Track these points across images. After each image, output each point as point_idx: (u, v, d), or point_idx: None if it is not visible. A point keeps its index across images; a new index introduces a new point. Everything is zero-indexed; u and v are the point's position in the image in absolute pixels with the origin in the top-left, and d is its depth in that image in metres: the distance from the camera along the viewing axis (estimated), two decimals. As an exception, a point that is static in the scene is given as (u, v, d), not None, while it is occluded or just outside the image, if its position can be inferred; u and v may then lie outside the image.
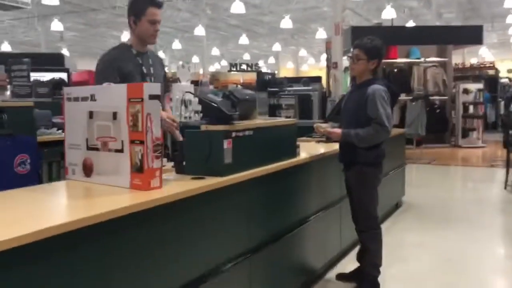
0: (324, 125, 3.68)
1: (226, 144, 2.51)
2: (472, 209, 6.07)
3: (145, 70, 3.02)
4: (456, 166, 10.14)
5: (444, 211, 5.95)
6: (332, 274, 3.70)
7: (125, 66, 2.91)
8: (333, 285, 3.53)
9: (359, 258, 3.50)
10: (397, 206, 5.81)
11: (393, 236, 4.53)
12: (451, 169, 9.67)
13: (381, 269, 3.36)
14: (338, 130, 3.32)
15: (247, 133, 2.66)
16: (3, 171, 2.82)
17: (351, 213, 3.47)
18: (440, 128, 12.03)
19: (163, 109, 3.09)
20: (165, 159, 2.73)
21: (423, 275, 3.68)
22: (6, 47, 21.49)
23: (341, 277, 3.59)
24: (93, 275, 1.77)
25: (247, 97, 2.84)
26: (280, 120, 3.16)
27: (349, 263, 3.91)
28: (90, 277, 1.76)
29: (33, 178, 2.91)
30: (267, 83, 6.17)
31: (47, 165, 3.47)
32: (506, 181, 7.00)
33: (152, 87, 2.23)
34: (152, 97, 2.20)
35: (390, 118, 3.19)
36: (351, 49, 3.38)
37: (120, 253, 1.89)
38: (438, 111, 12.13)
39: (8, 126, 2.93)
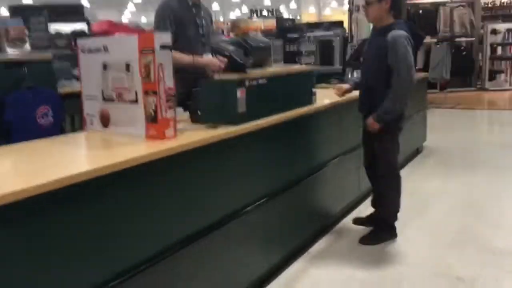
0: (344, 85, 3.55)
1: (240, 93, 2.51)
2: (496, 153, 5.95)
3: (198, 21, 3.15)
4: (482, 110, 9.93)
5: (466, 156, 5.87)
6: (349, 219, 3.77)
7: (180, 15, 3.04)
8: (350, 229, 3.60)
9: (374, 204, 3.53)
10: (417, 151, 5.78)
11: (413, 182, 4.52)
12: (476, 113, 9.48)
13: (398, 215, 3.39)
14: (370, 120, 3.19)
15: (260, 81, 2.65)
16: (26, 124, 2.90)
17: (365, 160, 3.47)
18: (465, 71, 11.67)
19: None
20: (181, 109, 2.77)
21: (441, 221, 3.70)
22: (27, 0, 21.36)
23: (357, 221, 3.65)
24: (110, 224, 1.84)
25: (261, 44, 2.81)
26: (295, 67, 3.13)
27: (367, 208, 3.96)
28: (106, 227, 1.83)
29: (56, 130, 2.98)
30: (287, 30, 6.04)
31: (69, 117, 3.55)
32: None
33: (163, 37, 2.23)
34: (163, 47, 2.20)
35: (412, 67, 3.06)
36: None
37: (136, 202, 1.95)
38: (464, 53, 11.73)
39: (28, 79, 2.98)
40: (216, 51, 2.60)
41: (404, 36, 3.04)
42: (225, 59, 2.65)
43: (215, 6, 27.29)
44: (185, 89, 2.70)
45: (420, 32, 3.28)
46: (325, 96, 3.49)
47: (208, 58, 2.97)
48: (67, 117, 3.57)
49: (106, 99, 2.44)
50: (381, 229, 3.41)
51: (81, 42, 2.54)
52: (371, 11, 3.13)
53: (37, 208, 1.59)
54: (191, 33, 3.07)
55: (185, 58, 2.95)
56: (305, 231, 3.24)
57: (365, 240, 3.35)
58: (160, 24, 2.99)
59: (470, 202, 4.16)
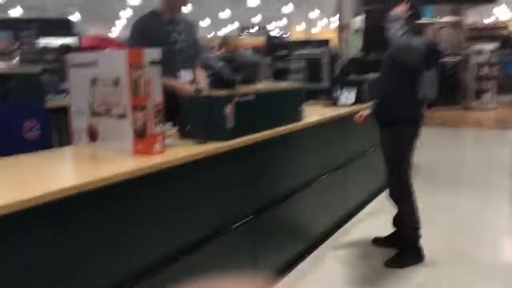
0: (365, 112, 3.52)
1: (228, 109, 2.52)
2: (483, 171, 6.04)
3: (173, 37, 3.08)
4: (468, 128, 10.04)
5: (453, 174, 5.93)
6: (337, 235, 3.76)
7: (152, 31, 2.98)
8: (338, 246, 3.59)
9: (395, 222, 3.46)
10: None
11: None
12: (462, 132, 9.59)
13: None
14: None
15: (249, 98, 2.66)
16: (12, 137, 2.86)
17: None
18: (451, 90, 11.86)
19: (194, 76, 3.15)
20: (170, 124, 2.76)
21: (431, 238, 3.69)
22: (18, 11, 21.16)
23: (377, 241, 3.56)
24: (96, 239, 1.83)
25: (250, 61, 2.83)
26: (283, 85, 3.15)
27: (354, 226, 3.98)
28: (92, 241, 1.81)
29: (43, 144, 2.95)
30: (276, 47, 6.11)
31: (57, 131, 3.51)
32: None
33: (152, 53, 2.24)
34: (153, 62, 2.21)
35: (411, 43, 2.96)
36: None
37: (123, 217, 1.94)
38: (450, 72, 11.92)
39: (16, 92, 2.96)
40: (204, 67, 2.60)
41: (399, 36, 2.98)
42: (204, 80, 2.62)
43: (207, 22, 27.48)
44: (172, 100, 2.67)
45: (438, 48, 3.25)
46: (312, 113, 3.52)
47: (180, 83, 2.96)
48: (54, 131, 3.53)
49: (94, 113, 2.43)
50: (406, 251, 3.29)
51: (70, 56, 2.54)
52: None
53: (22, 223, 1.56)
54: (164, 50, 2.98)
55: (171, 83, 2.89)
56: (292, 247, 3.22)
57: (390, 263, 3.23)
58: (131, 42, 2.97)
59: (458, 219, 4.19)
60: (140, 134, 2.24)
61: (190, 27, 3.28)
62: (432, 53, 3.12)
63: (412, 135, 3.23)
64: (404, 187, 3.26)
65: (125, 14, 23.97)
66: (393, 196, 3.32)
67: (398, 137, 3.21)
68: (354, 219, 4.10)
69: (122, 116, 2.30)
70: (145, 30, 2.98)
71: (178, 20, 3.14)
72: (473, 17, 19.05)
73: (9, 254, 1.54)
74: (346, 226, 3.97)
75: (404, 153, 3.23)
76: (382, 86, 3.28)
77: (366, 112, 3.49)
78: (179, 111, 2.63)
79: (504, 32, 17.68)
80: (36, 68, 3.34)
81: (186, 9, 3.08)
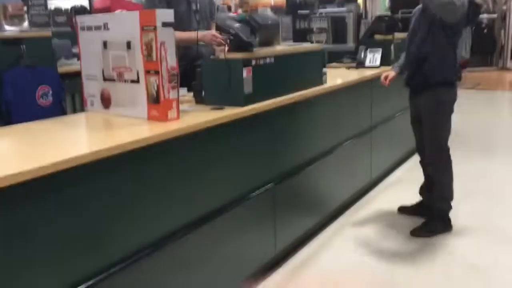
0: (390, 73, 3.32)
1: (246, 73, 2.41)
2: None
3: None
4: (503, 90, 9.64)
5: (485, 140, 5.70)
6: (360, 204, 3.67)
7: None
8: (360, 215, 3.51)
9: (422, 191, 3.36)
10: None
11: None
12: (497, 94, 9.20)
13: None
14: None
15: (268, 60, 2.54)
16: (25, 103, 2.85)
17: (417, 145, 3.30)
18: (487, 49, 11.35)
19: None
20: (185, 89, 2.67)
21: (461, 208, 3.55)
22: None
23: (403, 210, 3.46)
24: (111, 208, 1.79)
25: (269, 22, 2.68)
26: (304, 46, 2.99)
27: (379, 194, 3.87)
28: (108, 210, 1.77)
29: (57, 110, 2.93)
30: (298, 6, 5.87)
31: (70, 96, 3.47)
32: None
33: (165, 14, 2.13)
34: (165, 24, 2.10)
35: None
36: None
37: (139, 185, 1.89)
38: (485, 31, 11.37)
39: (27, 57, 2.91)
40: (220, 29, 2.48)
41: None
42: (226, 37, 2.50)
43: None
44: (187, 63, 2.56)
45: (477, 2, 3.04)
46: (335, 76, 3.36)
47: (207, 32, 2.84)
48: (67, 96, 3.49)
49: (106, 79, 2.36)
50: (434, 220, 3.18)
51: (80, 19, 2.45)
52: None
53: (37, 191, 1.53)
54: (182, 9, 2.94)
55: (183, 34, 2.81)
56: (314, 216, 3.15)
57: (417, 232, 3.14)
58: (150, 3, 2.87)
59: (488, 189, 4.02)
60: (154, 100, 2.16)
61: None
62: (472, 9, 2.92)
63: (451, 99, 3.08)
64: (445, 155, 3.13)
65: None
66: (431, 164, 3.18)
67: (437, 102, 3.04)
68: (379, 187, 3.98)
69: (135, 81, 2.22)
70: None
71: None
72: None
73: (24, 222, 1.50)
74: (370, 194, 3.86)
75: (445, 118, 3.08)
76: (416, 47, 3.06)
77: (392, 73, 3.30)
78: (195, 76, 2.54)
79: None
80: (47, 32, 3.26)
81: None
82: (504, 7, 11.78)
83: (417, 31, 3.07)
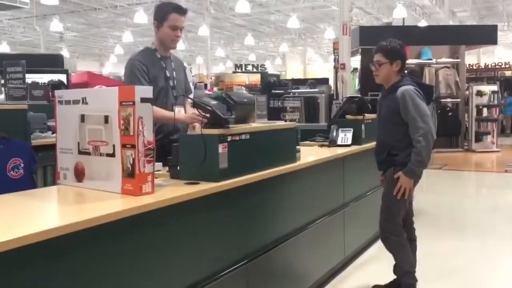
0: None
1: (221, 148, 2.44)
2: (485, 217, 5.89)
3: (168, 74, 3.12)
4: (469, 171, 9.94)
5: (454, 219, 5.79)
6: (334, 283, 3.61)
7: (151, 69, 3.01)
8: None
9: (395, 269, 3.35)
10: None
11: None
12: (463, 175, 9.47)
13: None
14: (402, 178, 3.12)
15: (243, 137, 2.59)
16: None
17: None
18: (452, 132, 11.84)
19: (185, 112, 3.17)
20: (160, 164, 2.68)
21: (427, 286, 3.54)
22: (4, 48, 20.94)
23: None
24: (82, 281, 1.73)
25: (245, 100, 2.77)
26: (279, 123, 3.08)
27: (353, 272, 3.83)
28: (78, 283, 1.72)
29: (27, 183, 2.87)
30: (272, 85, 6.11)
31: (42, 169, 3.43)
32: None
33: (144, 90, 2.18)
34: (144, 100, 2.15)
35: (426, 115, 3.05)
36: (374, 54, 3.22)
37: (111, 259, 1.85)
38: (450, 114, 11.93)
39: (1, 129, 2.89)
40: (198, 106, 2.54)
41: (411, 89, 3.08)
42: (206, 115, 2.58)
43: (199, 60, 27.88)
44: (163, 136, 2.59)
45: (425, 84, 3.28)
46: (308, 154, 3.43)
47: (187, 115, 2.94)
48: (39, 169, 3.44)
49: (82, 152, 2.35)
50: None
51: (58, 93, 2.48)
52: (382, 72, 3.17)
53: (3, 266, 1.48)
54: (161, 85, 3.04)
55: (166, 113, 2.91)
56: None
57: None
58: (133, 78, 2.93)
59: (456, 267, 4.03)
60: (129, 173, 2.16)
61: (181, 64, 3.36)
62: (423, 90, 3.15)
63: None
64: (394, 232, 3.21)
65: (117, 51, 24.27)
66: (386, 239, 3.25)
67: (396, 179, 3.15)
68: (352, 265, 3.94)
69: (110, 154, 2.23)
70: (144, 67, 2.99)
71: (170, 58, 3.20)
72: (473, 58, 19.30)
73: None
74: (345, 272, 3.81)
75: (402, 197, 3.16)
76: (384, 137, 3.25)
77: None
78: (170, 150, 2.56)
79: (505, 73, 17.84)
80: (23, 105, 3.28)
81: (179, 46, 3.10)
82: (467, 92, 12.46)
83: (382, 122, 3.28)
